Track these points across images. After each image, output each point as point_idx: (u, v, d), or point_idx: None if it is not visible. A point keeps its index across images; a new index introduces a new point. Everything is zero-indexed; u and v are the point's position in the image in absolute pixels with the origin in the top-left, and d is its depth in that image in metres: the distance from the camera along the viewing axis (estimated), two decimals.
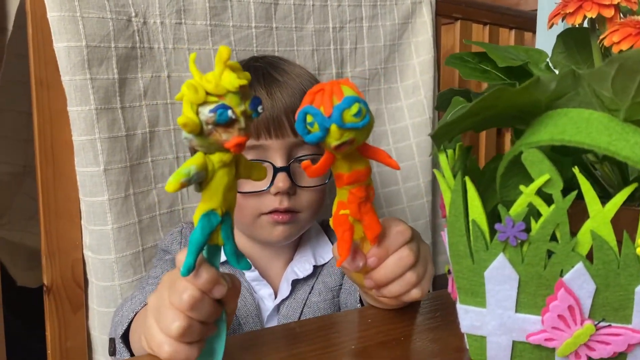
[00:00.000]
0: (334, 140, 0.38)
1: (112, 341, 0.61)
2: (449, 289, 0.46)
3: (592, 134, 0.34)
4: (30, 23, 0.71)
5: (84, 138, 0.73)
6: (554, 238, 0.38)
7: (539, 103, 0.36)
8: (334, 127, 0.38)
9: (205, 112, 0.35)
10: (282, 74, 0.68)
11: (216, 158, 0.37)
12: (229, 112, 0.35)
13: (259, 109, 0.37)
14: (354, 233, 0.44)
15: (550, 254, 0.39)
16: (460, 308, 0.42)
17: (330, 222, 0.45)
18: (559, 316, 0.39)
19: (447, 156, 0.45)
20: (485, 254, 0.40)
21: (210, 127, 0.35)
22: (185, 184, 0.35)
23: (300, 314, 0.69)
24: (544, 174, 0.36)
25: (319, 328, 0.51)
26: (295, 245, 0.74)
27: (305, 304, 0.70)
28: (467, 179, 0.39)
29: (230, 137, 0.36)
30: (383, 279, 0.47)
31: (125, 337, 0.58)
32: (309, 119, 0.38)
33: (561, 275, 0.38)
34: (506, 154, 0.38)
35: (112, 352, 0.60)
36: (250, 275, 0.70)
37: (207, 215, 0.37)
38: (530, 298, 0.40)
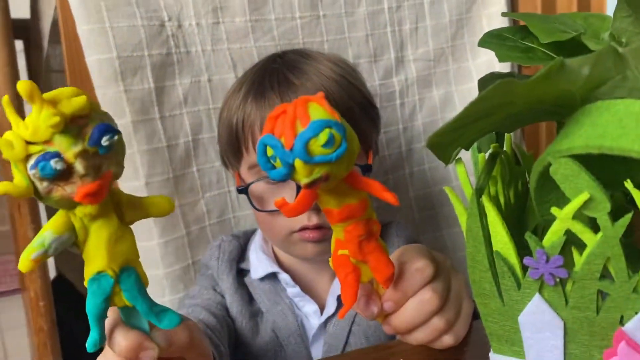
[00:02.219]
0: (302, 177, 0.30)
1: None
2: None
3: None
4: (63, 39, 0.70)
5: None
6: (608, 273, 0.28)
7: (572, 94, 0.27)
8: (299, 163, 0.30)
9: (28, 169, 0.28)
10: (300, 75, 0.60)
11: (80, 212, 0.30)
12: (52, 163, 0.28)
13: (104, 141, 0.29)
14: (362, 274, 0.37)
15: (604, 294, 0.29)
16: (495, 358, 0.34)
17: (330, 263, 0.37)
18: None
19: (474, 162, 0.36)
20: (517, 294, 0.31)
21: (46, 184, 0.28)
22: (40, 258, 0.29)
23: (349, 332, 0.63)
24: (582, 192, 0.27)
25: None
26: None
27: (353, 321, 0.63)
28: (484, 198, 0.30)
29: (75, 189, 0.29)
30: (403, 327, 0.39)
31: None
32: (270, 151, 0.30)
33: (621, 323, 0.29)
34: (535, 164, 0.29)
35: None
36: (292, 291, 0.64)
37: (95, 280, 0.31)
38: (584, 349, 0.30)
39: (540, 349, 0.31)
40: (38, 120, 0.28)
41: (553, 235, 0.28)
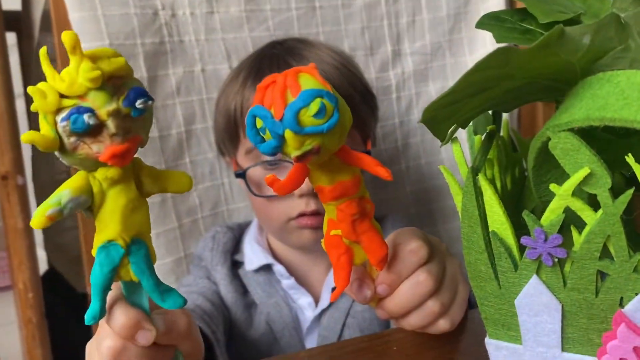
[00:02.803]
0: (292, 149, 0.29)
1: None
2: None
3: None
4: (54, 27, 0.69)
5: None
6: (608, 253, 0.27)
7: (572, 66, 0.26)
8: (289, 134, 0.29)
9: (59, 122, 0.27)
10: (299, 60, 0.59)
11: (100, 175, 0.29)
12: (85, 117, 0.27)
13: (138, 103, 0.28)
14: (354, 256, 0.36)
15: (603, 275, 0.28)
16: (490, 343, 0.33)
17: (322, 244, 0.36)
18: None
19: (471, 145, 0.35)
20: (514, 276, 0.30)
21: (73, 139, 0.28)
22: (55, 216, 0.28)
23: (343, 325, 0.62)
24: (582, 167, 0.26)
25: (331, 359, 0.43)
26: None
27: (348, 313, 0.62)
28: (480, 176, 0.29)
29: (102, 148, 0.28)
30: (397, 310, 0.38)
31: None
32: (259, 123, 0.29)
33: (621, 305, 0.28)
34: (533, 140, 0.28)
35: None
36: (286, 283, 0.63)
37: (104, 248, 0.30)
38: (582, 333, 0.29)
39: (537, 333, 0.30)
40: (76, 73, 0.27)
41: (552, 213, 0.27)
